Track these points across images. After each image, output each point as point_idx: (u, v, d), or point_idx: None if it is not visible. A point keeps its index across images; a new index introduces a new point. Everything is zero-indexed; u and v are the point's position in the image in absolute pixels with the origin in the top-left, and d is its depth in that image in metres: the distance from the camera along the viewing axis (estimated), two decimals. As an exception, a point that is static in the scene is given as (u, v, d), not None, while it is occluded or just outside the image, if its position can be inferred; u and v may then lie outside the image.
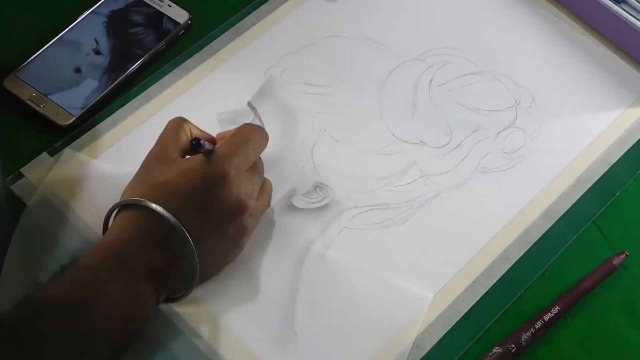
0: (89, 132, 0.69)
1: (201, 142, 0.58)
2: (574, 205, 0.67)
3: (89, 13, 0.75)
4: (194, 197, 0.57)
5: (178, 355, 0.60)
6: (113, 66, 0.73)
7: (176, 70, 0.73)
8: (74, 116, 0.70)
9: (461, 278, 0.63)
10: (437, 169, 0.68)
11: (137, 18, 0.75)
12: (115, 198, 0.60)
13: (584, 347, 0.62)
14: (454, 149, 0.69)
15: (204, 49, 0.74)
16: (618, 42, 0.74)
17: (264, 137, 0.63)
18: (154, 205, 0.56)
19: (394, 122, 0.70)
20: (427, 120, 0.71)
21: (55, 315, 0.53)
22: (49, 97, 0.71)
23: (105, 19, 0.75)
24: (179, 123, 0.62)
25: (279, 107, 0.71)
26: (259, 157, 0.63)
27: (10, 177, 0.67)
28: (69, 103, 0.70)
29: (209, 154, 0.59)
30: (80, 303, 0.53)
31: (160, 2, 0.76)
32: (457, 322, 0.62)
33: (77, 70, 0.72)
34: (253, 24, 0.76)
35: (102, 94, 0.71)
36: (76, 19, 0.75)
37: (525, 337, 0.61)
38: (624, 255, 0.64)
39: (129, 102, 0.71)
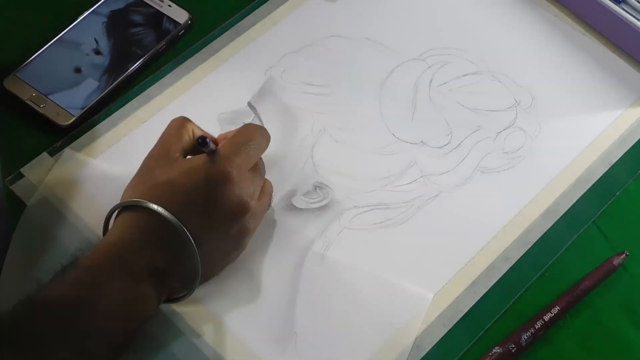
0: (89, 132, 0.69)
1: (207, 140, 0.58)
2: (574, 205, 0.67)
3: (89, 13, 0.75)
4: (196, 197, 0.57)
5: (178, 355, 0.60)
6: (113, 66, 0.73)
7: (176, 70, 0.73)
8: (74, 116, 0.70)
9: (461, 278, 0.63)
10: (437, 169, 0.68)
11: (137, 18, 0.75)
12: (116, 198, 0.60)
13: (584, 347, 0.62)
14: (454, 149, 0.69)
15: (204, 49, 0.74)
16: (618, 42, 0.74)
17: (266, 138, 0.63)
18: (154, 206, 0.56)
19: (394, 122, 0.70)
20: (427, 120, 0.71)
21: (55, 315, 0.53)
22: (49, 97, 0.71)
23: (105, 19, 0.75)
24: (181, 122, 0.62)
25: (279, 107, 0.71)
26: (260, 158, 0.63)
27: (10, 177, 0.67)
28: (69, 103, 0.70)
29: (212, 154, 0.59)
30: (80, 303, 0.53)
31: (160, 2, 0.76)
32: (457, 322, 0.62)
33: (77, 70, 0.72)
34: (253, 24, 0.76)
35: (102, 94, 0.71)
36: (76, 19, 0.75)
37: (525, 337, 0.61)
38: (624, 255, 0.64)
39: (129, 102, 0.71)
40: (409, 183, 0.68)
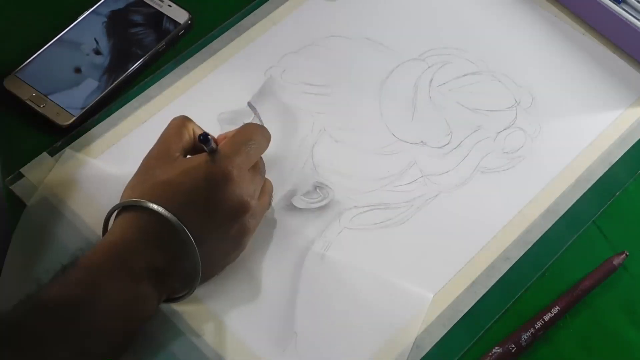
0: (89, 132, 0.69)
1: (209, 137, 0.58)
2: (574, 205, 0.67)
3: (89, 13, 0.75)
4: (196, 197, 0.57)
5: (178, 355, 0.60)
6: (113, 66, 0.73)
7: (176, 70, 0.73)
8: (74, 116, 0.70)
9: (461, 278, 0.63)
10: (437, 169, 0.68)
11: (137, 18, 0.75)
12: (115, 198, 0.60)
13: (584, 347, 0.62)
14: (454, 149, 0.69)
15: (204, 49, 0.74)
16: (618, 42, 0.74)
17: (266, 137, 0.63)
18: (154, 206, 0.56)
19: (394, 122, 0.70)
20: (427, 120, 0.71)
21: (55, 315, 0.53)
22: (49, 97, 0.71)
23: (105, 19, 0.75)
24: (182, 122, 0.62)
25: (279, 107, 0.71)
26: (261, 157, 0.63)
27: (10, 177, 0.67)
28: (69, 103, 0.70)
29: (212, 152, 0.58)
30: (80, 303, 0.53)
31: (160, 2, 0.76)
32: (457, 322, 0.62)
33: (77, 70, 0.72)
34: (253, 24, 0.76)
35: (102, 94, 0.71)
36: (76, 19, 0.75)
37: (525, 337, 0.61)
38: (624, 255, 0.64)
39: (128, 102, 0.71)
40: (409, 183, 0.68)
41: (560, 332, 0.62)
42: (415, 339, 0.61)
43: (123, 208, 0.58)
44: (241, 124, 0.65)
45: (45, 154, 0.68)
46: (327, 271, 0.63)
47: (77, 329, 0.53)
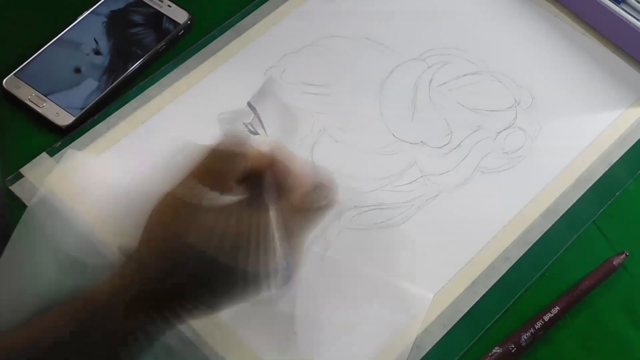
0: (89, 132, 0.69)
1: None
2: (574, 205, 0.67)
3: (89, 13, 0.75)
4: None
5: (178, 355, 0.60)
6: (113, 66, 0.73)
7: (176, 70, 0.73)
8: (73, 116, 0.70)
9: (461, 278, 0.63)
10: (437, 169, 0.68)
11: (137, 18, 0.75)
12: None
13: (584, 347, 0.62)
14: (454, 149, 0.69)
15: (203, 49, 0.74)
16: (618, 42, 0.74)
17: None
18: None
19: (394, 122, 0.70)
20: (427, 120, 0.71)
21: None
22: (48, 97, 0.71)
23: (105, 19, 0.75)
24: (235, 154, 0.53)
25: (279, 107, 0.71)
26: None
27: (10, 177, 0.67)
28: (68, 103, 0.70)
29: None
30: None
31: (160, 2, 0.76)
32: (457, 322, 0.62)
33: (77, 70, 0.72)
34: (253, 24, 0.76)
35: (102, 94, 0.71)
36: (76, 19, 0.75)
37: (525, 337, 0.61)
38: (624, 255, 0.64)
39: (128, 102, 0.71)
40: (409, 183, 0.68)
41: (560, 332, 0.62)
42: (415, 339, 0.61)
43: None
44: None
45: (45, 154, 0.68)
46: (327, 271, 0.63)
47: None
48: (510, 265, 0.64)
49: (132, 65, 0.73)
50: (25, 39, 0.74)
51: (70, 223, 0.65)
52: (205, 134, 0.69)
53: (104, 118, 0.70)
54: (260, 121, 0.70)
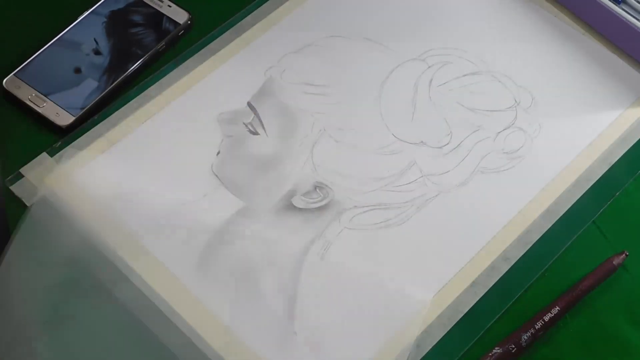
0: (89, 132, 0.69)
1: None
2: (574, 205, 0.67)
3: (89, 13, 0.75)
4: None
5: (178, 355, 0.60)
6: (113, 66, 0.73)
7: (176, 70, 0.73)
8: (73, 116, 0.70)
9: (461, 278, 0.63)
10: (437, 169, 0.68)
11: (137, 18, 0.75)
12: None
13: (584, 347, 0.62)
14: (454, 149, 0.69)
15: (204, 49, 0.74)
16: (618, 42, 0.74)
17: None
18: None
19: (394, 122, 0.70)
20: (427, 120, 0.71)
21: None
22: (48, 97, 0.71)
23: (105, 19, 0.75)
24: None
25: (279, 107, 0.71)
26: None
27: (10, 177, 0.67)
28: (68, 103, 0.70)
29: None
30: None
31: (160, 2, 0.76)
32: (457, 322, 0.62)
33: (77, 70, 0.72)
34: (253, 24, 0.76)
35: (102, 94, 0.71)
36: (76, 19, 0.75)
37: (526, 337, 0.61)
38: (624, 255, 0.64)
39: (128, 102, 0.71)
40: (409, 183, 0.68)
41: (560, 332, 0.62)
42: (416, 339, 0.61)
43: None
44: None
45: (45, 154, 0.68)
46: (327, 271, 0.63)
47: None
48: (510, 265, 0.64)
49: (132, 65, 0.73)
50: (25, 39, 0.74)
51: (71, 223, 0.65)
52: (205, 134, 0.69)
53: (104, 118, 0.70)
54: (260, 121, 0.70)
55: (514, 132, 0.70)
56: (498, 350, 0.60)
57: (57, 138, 0.69)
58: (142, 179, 0.67)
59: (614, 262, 0.64)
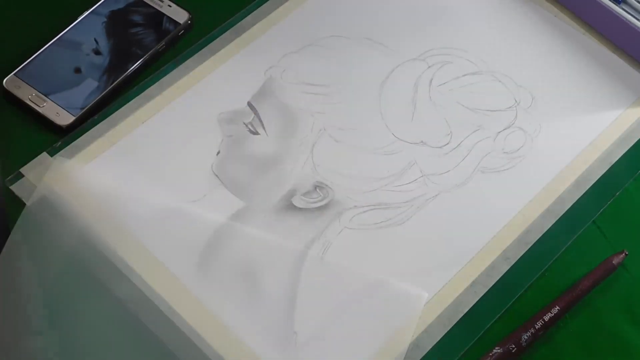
0: (89, 132, 0.69)
1: None
2: (574, 205, 0.67)
3: (89, 13, 0.75)
4: None
5: (178, 355, 0.60)
6: (113, 66, 0.73)
7: (176, 70, 0.73)
8: (74, 116, 0.70)
9: (461, 278, 0.63)
10: (437, 169, 0.68)
11: (137, 18, 0.75)
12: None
13: (584, 347, 0.62)
14: (454, 148, 0.69)
15: (204, 49, 0.74)
16: (618, 42, 0.74)
17: None
18: None
19: (394, 122, 0.70)
20: (427, 120, 0.71)
21: None
22: (49, 97, 0.71)
23: (105, 19, 0.75)
24: None
25: (279, 107, 0.71)
26: None
27: (10, 177, 0.67)
28: (69, 103, 0.70)
29: None
30: None
31: (160, 2, 0.76)
32: (457, 322, 0.62)
33: (77, 70, 0.72)
34: (253, 24, 0.76)
35: (102, 94, 0.71)
36: (76, 19, 0.75)
37: (526, 337, 0.61)
38: (624, 254, 0.64)
39: (128, 102, 0.71)
40: (409, 183, 0.68)
41: (560, 332, 0.62)
42: (416, 338, 0.61)
43: None
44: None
45: (45, 154, 0.68)
46: (327, 271, 0.63)
47: None
48: (510, 265, 0.64)
49: (132, 65, 0.73)
50: (25, 39, 0.74)
51: (71, 222, 0.65)
52: (205, 134, 0.70)
53: (104, 118, 0.70)
54: (261, 121, 0.70)
55: (514, 132, 0.70)
56: (498, 350, 0.60)
57: (57, 138, 0.69)
58: (142, 178, 0.67)
59: (613, 262, 0.64)
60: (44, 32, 0.74)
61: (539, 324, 0.61)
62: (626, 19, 0.72)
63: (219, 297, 0.62)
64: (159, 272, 0.63)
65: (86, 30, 0.74)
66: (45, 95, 0.71)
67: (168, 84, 0.72)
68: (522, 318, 0.62)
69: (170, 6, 0.76)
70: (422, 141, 0.70)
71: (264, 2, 0.77)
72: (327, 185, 0.67)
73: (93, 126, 0.70)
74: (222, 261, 0.63)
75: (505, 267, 0.64)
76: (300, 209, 0.66)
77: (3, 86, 0.71)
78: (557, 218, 0.66)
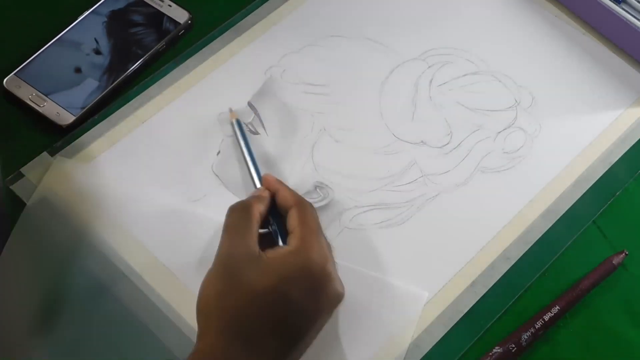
0: (89, 131, 0.69)
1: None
2: (574, 205, 0.67)
3: (89, 13, 0.75)
4: (301, 307, 0.55)
5: (177, 355, 0.60)
6: (113, 66, 0.73)
7: (176, 70, 0.73)
8: (74, 116, 0.70)
9: (461, 278, 0.63)
10: (437, 169, 0.68)
11: (137, 18, 0.75)
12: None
13: (584, 346, 0.62)
14: (454, 148, 0.69)
15: (204, 49, 0.74)
16: (618, 42, 0.74)
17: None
18: None
19: (394, 122, 0.70)
20: (427, 120, 0.71)
21: None
22: (49, 97, 0.71)
23: (105, 19, 0.75)
24: (245, 207, 0.58)
25: (279, 107, 0.71)
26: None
27: (10, 177, 0.67)
28: (69, 103, 0.70)
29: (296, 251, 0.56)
30: None
31: (160, 2, 0.76)
32: (457, 322, 0.62)
33: (77, 70, 0.72)
34: (253, 24, 0.76)
35: (102, 94, 0.71)
36: (76, 19, 0.75)
37: (526, 336, 0.61)
38: (624, 254, 0.64)
39: (129, 102, 0.71)
40: (409, 183, 0.68)
41: (560, 332, 0.62)
42: (416, 338, 0.61)
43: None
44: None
45: (45, 154, 0.68)
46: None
47: None
48: (510, 265, 0.64)
49: (133, 65, 0.73)
50: (25, 39, 0.74)
51: (69, 222, 0.65)
52: (205, 134, 0.69)
53: (105, 118, 0.70)
54: (261, 121, 0.70)
55: (514, 132, 0.70)
56: (498, 350, 0.60)
57: (58, 138, 0.69)
58: (142, 178, 0.67)
59: (613, 262, 0.64)
60: (44, 32, 0.74)
61: (539, 324, 0.61)
62: (626, 19, 0.72)
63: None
64: (158, 272, 0.63)
65: (86, 30, 0.74)
66: (46, 95, 0.71)
67: (168, 84, 0.72)
68: (522, 318, 0.62)
69: (170, 6, 0.76)
70: (422, 141, 0.70)
71: (264, 2, 0.77)
72: (327, 185, 0.67)
73: (93, 126, 0.70)
74: (222, 261, 0.63)
75: (505, 267, 0.64)
76: (300, 208, 0.66)
77: (3, 86, 0.71)
78: (557, 218, 0.66)
